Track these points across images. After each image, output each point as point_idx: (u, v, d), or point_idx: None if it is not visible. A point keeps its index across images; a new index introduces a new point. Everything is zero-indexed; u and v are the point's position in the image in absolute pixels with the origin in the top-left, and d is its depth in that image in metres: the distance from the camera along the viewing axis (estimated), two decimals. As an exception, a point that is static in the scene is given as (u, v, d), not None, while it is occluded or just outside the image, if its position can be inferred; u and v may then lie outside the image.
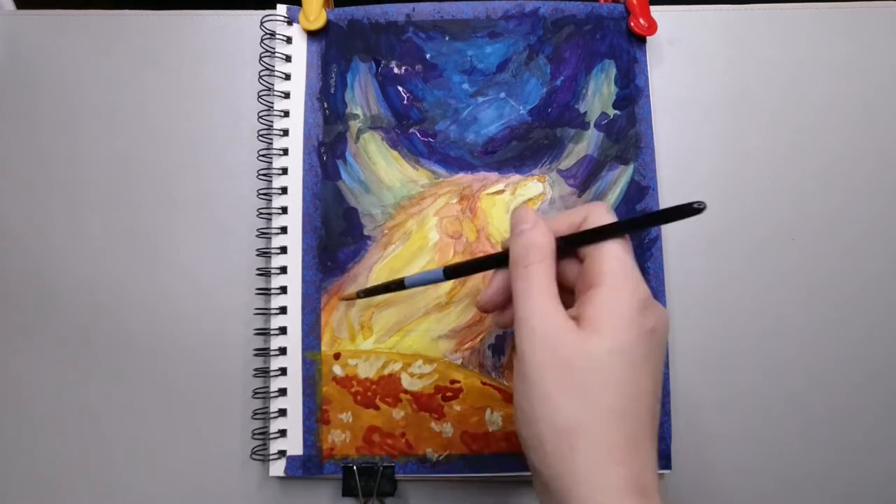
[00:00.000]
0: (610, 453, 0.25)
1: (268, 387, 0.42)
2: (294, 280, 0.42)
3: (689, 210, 0.26)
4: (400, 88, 0.44)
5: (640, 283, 0.27)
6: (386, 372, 0.41)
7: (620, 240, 0.28)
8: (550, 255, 0.28)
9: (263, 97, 0.44)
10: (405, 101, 0.44)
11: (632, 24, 0.44)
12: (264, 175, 0.43)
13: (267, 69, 0.44)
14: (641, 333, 0.26)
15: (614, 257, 0.28)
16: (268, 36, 0.45)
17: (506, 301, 0.33)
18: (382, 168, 0.43)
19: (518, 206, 0.32)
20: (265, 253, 0.43)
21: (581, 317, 0.27)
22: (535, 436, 0.26)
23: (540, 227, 0.29)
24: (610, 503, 0.24)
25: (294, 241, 0.42)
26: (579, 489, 0.24)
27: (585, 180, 0.43)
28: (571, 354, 0.26)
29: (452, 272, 0.36)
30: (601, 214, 0.29)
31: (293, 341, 0.42)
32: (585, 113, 0.44)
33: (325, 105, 0.44)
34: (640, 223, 0.30)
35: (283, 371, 0.42)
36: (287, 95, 0.44)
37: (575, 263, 0.30)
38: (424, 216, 0.43)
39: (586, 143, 0.43)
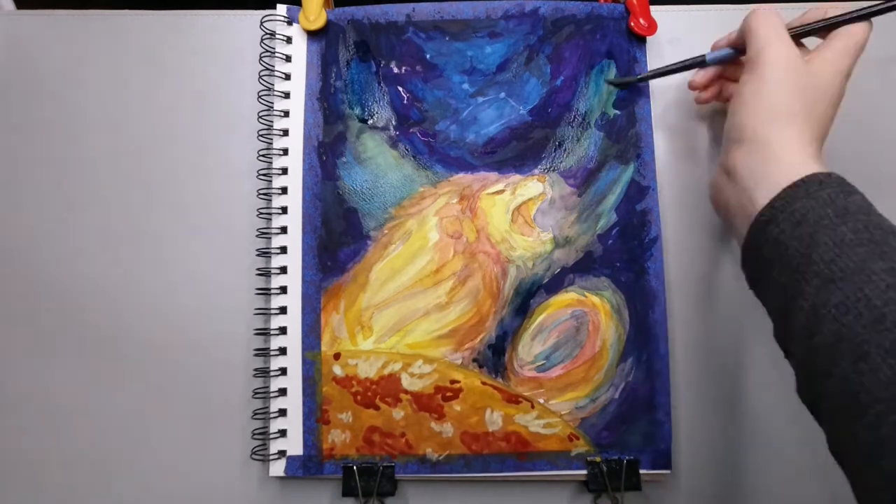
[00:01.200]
0: (812, 133, 0.35)
1: (268, 387, 0.42)
2: (294, 280, 0.42)
3: None
4: (400, 88, 0.44)
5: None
6: (386, 372, 0.41)
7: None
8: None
9: (263, 97, 0.44)
10: (405, 101, 0.44)
11: (632, 23, 0.44)
12: (264, 175, 0.43)
13: (267, 69, 0.44)
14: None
15: (844, 36, 0.36)
16: (268, 36, 0.45)
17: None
18: (382, 168, 0.43)
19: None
20: (265, 253, 0.43)
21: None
22: (761, 102, 0.35)
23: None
24: (805, 153, 0.34)
25: (294, 241, 0.42)
26: (782, 144, 0.34)
27: (585, 180, 0.43)
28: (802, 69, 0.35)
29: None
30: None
31: (293, 341, 0.42)
32: (585, 113, 0.44)
33: (325, 105, 0.44)
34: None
35: (283, 371, 0.42)
36: (287, 95, 0.44)
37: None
38: (424, 216, 0.43)
39: (586, 143, 0.43)
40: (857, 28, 0.36)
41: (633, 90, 0.44)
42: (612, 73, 0.44)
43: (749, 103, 0.35)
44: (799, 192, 0.31)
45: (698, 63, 0.41)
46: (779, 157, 0.33)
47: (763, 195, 0.33)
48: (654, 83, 0.44)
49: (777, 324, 0.33)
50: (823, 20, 0.37)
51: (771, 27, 0.36)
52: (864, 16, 0.36)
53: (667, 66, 0.42)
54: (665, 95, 0.45)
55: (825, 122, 0.36)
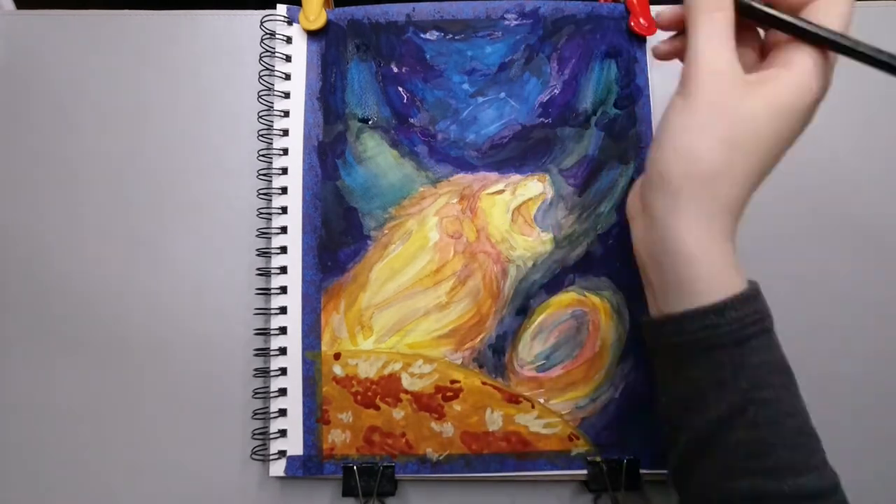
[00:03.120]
0: (733, 202, 0.29)
1: (268, 387, 0.42)
2: (294, 280, 0.42)
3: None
4: (400, 88, 0.44)
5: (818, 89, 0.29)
6: (386, 372, 0.41)
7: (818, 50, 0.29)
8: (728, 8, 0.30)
9: (263, 97, 0.44)
10: (405, 101, 0.44)
11: (632, 23, 0.44)
12: (264, 175, 0.43)
13: (267, 69, 0.44)
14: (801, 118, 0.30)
15: (808, 59, 0.29)
16: (268, 36, 0.45)
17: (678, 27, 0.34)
18: (382, 168, 0.43)
19: None
20: (265, 253, 0.43)
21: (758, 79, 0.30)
22: (664, 170, 0.30)
23: None
24: (717, 260, 0.29)
25: (294, 240, 0.42)
26: (691, 240, 0.29)
27: (586, 180, 0.43)
28: (733, 104, 0.29)
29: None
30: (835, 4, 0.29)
31: (293, 341, 0.42)
32: (586, 112, 0.44)
33: (325, 105, 0.44)
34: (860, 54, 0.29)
35: (284, 371, 0.42)
36: (287, 95, 0.44)
37: (753, 34, 0.33)
38: (424, 216, 0.43)
39: (586, 143, 0.43)
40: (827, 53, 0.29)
41: (633, 89, 0.44)
42: (612, 73, 0.44)
43: (671, 141, 0.30)
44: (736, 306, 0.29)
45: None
46: (696, 254, 0.29)
47: (694, 290, 0.29)
48: (654, 83, 0.44)
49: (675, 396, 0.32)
50: (793, 19, 0.29)
51: (714, 26, 0.29)
52: (852, 51, 0.29)
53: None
54: (665, 96, 0.45)
55: (754, 181, 0.30)
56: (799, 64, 0.29)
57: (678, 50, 0.35)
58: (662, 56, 0.36)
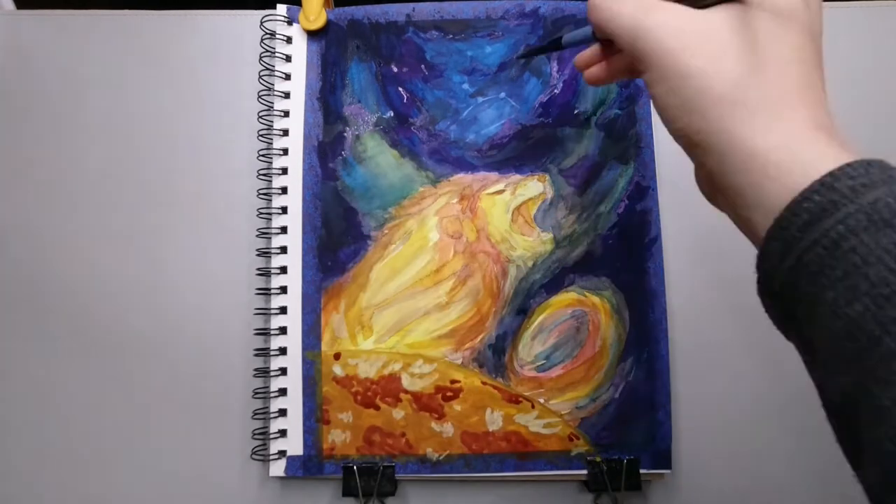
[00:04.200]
0: (784, 98, 0.25)
1: (268, 387, 0.42)
2: (294, 280, 0.42)
3: None
4: (400, 88, 0.44)
5: None
6: (386, 372, 0.41)
7: None
8: None
9: (263, 97, 0.44)
10: (405, 101, 0.44)
11: (632, 23, 0.44)
12: (264, 175, 0.43)
13: (267, 69, 0.44)
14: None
15: None
16: (268, 36, 0.45)
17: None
18: (382, 168, 0.43)
19: None
20: (265, 253, 0.43)
21: None
22: (691, 99, 0.26)
23: None
24: (796, 139, 0.24)
25: (294, 240, 0.42)
26: (756, 137, 0.24)
27: (586, 180, 0.43)
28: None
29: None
30: None
31: (293, 341, 0.42)
32: (586, 112, 0.44)
33: (325, 105, 0.44)
34: None
35: (284, 371, 0.42)
36: (287, 95, 0.44)
37: None
38: (424, 216, 0.43)
39: (587, 143, 0.43)
40: None
41: (633, 89, 0.44)
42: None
43: (676, 105, 0.26)
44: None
45: (555, 43, 0.36)
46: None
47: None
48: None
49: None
50: None
51: (622, 5, 0.27)
52: None
53: (532, 47, 0.42)
54: (665, 95, 0.45)
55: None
56: None
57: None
58: (590, 79, 0.34)
